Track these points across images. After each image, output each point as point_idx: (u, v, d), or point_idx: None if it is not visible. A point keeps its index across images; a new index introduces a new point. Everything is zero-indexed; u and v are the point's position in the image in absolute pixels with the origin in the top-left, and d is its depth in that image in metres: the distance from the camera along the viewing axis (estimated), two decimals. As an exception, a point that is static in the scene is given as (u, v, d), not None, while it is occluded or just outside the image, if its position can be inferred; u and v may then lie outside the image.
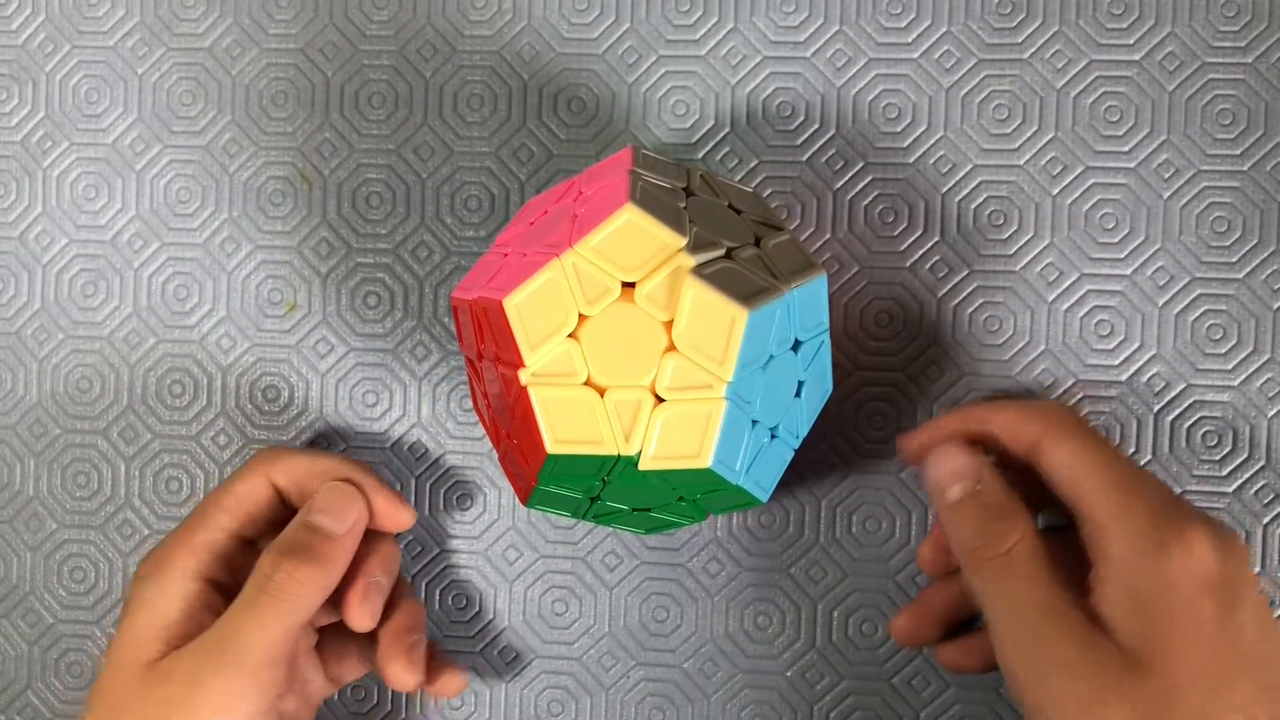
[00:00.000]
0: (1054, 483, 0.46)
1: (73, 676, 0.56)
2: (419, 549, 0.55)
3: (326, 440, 0.55)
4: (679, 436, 0.43)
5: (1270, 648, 0.43)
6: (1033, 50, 0.52)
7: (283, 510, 0.51)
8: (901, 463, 0.52)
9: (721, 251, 0.44)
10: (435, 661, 0.52)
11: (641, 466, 0.43)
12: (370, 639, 0.52)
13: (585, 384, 0.43)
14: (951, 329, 0.53)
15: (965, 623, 0.51)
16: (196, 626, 0.48)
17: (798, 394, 0.47)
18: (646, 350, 0.43)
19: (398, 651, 0.50)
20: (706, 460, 0.43)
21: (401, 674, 0.50)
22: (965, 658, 0.50)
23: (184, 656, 0.47)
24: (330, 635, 0.52)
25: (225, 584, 0.50)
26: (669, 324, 0.43)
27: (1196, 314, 0.52)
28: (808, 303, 0.45)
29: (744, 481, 0.45)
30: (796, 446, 0.48)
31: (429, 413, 0.55)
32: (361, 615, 0.50)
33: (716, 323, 0.42)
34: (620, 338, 0.43)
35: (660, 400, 0.43)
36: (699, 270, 0.43)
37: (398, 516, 0.51)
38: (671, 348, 0.43)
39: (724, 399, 0.43)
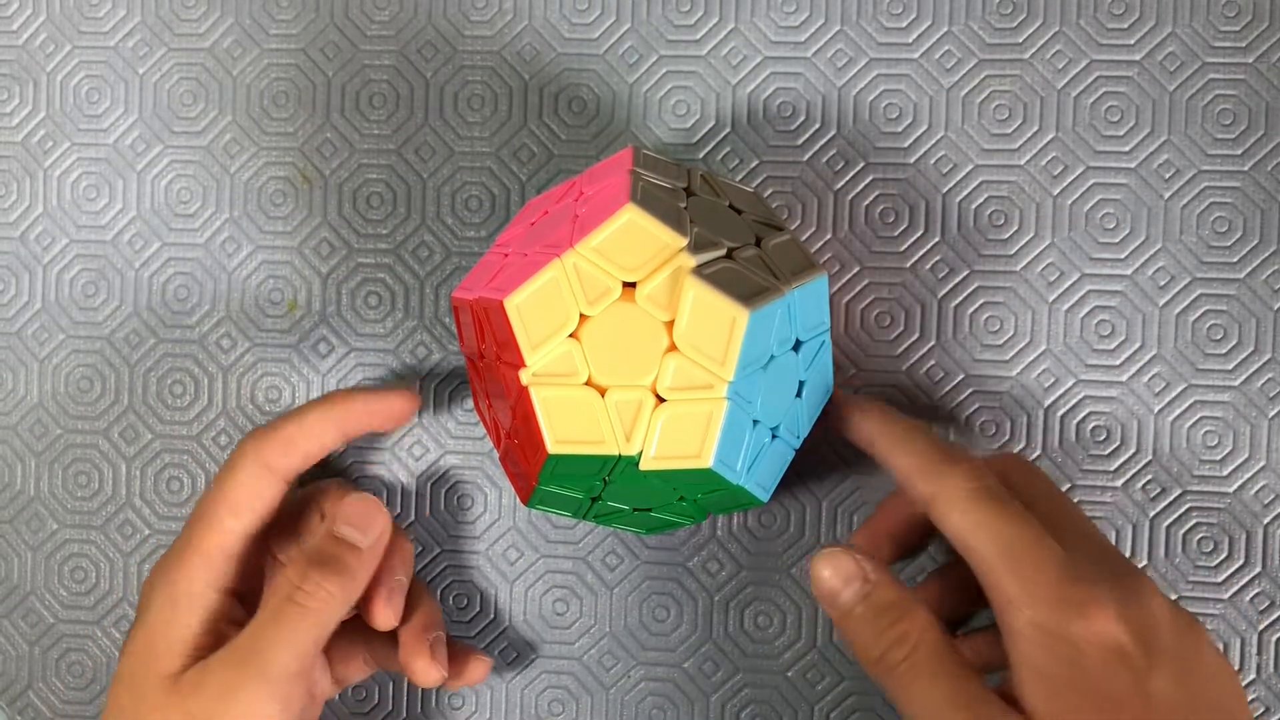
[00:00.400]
0: (952, 543, 0.44)
1: (73, 676, 0.57)
2: (420, 549, 0.55)
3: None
4: (680, 437, 0.43)
5: (1196, 702, 0.42)
6: (1033, 50, 0.52)
7: (287, 495, 0.51)
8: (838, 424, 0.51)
9: (722, 251, 0.44)
10: (456, 652, 0.53)
11: (642, 467, 0.43)
12: (378, 639, 0.52)
13: (586, 384, 0.43)
14: (952, 329, 0.53)
15: (959, 622, 0.51)
16: (216, 636, 0.48)
17: (798, 394, 0.47)
18: (647, 350, 0.43)
19: (421, 649, 0.50)
20: (707, 460, 0.43)
21: (428, 670, 0.50)
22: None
23: (212, 669, 0.47)
24: (337, 636, 0.52)
25: (240, 587, 0.50)
26: (670, 324, 0.43)
27: (1197, 314, 0.52)
28: (808, 303, 0.45)
29: (745, 481, 0.45)
30: (797, 446, 0.48)
31: (429, 413, 0.55)
32: (387, 615, 0.50)
33: (717, 323, 0.42)
34: (621, 338, 0.43)
35: (661, 400, 0.43)
36: (700, 270, 0.43)
37: (403, 406, 0.51)
38: (672, 348, 0.43)
39: (725, 399, 0.43)
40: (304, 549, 0.48)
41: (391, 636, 0.52)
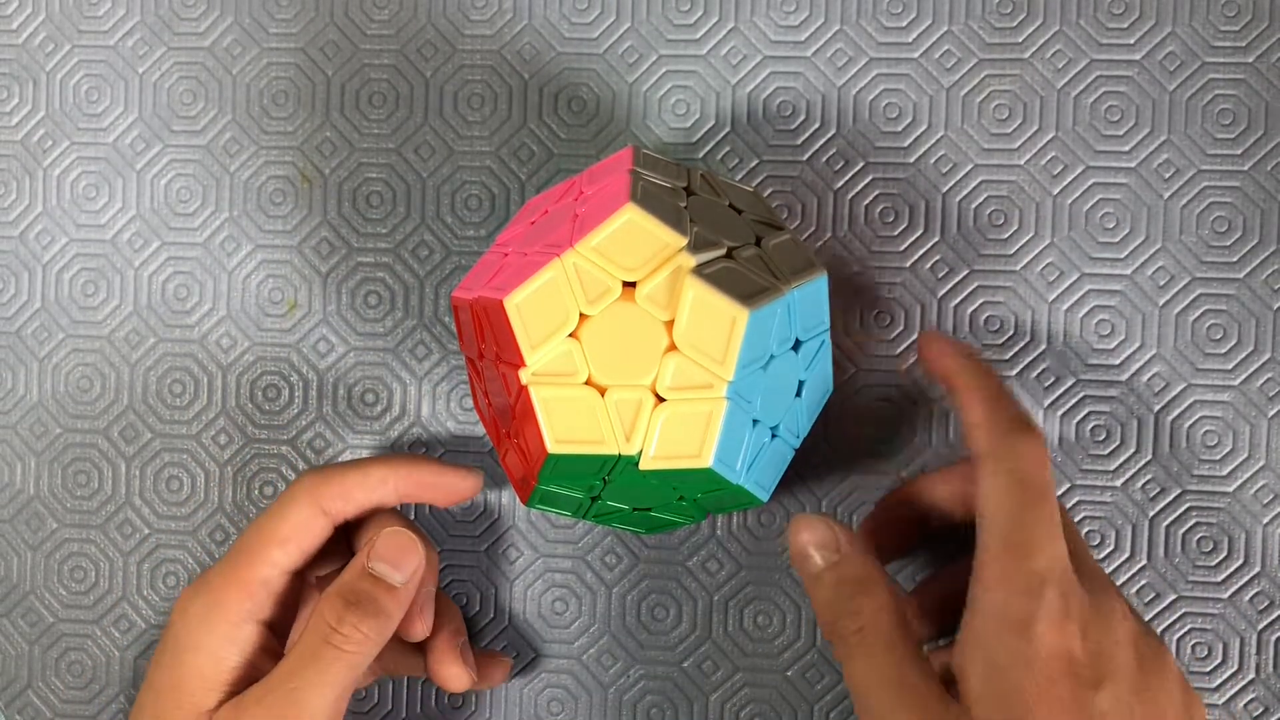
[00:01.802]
0: (977, 494, 0.45)
1: (73, 676, 0.56)
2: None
3: (324, 440, 0.55)
4: (680, 436, 0.43)
5: None
6: (1033, 50, 0.52)
7: (334, 535, 0.50)
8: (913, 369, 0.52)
9: (722, 251, 0.44)
10: (477, 655, 0.53)
11: (642, 466, 0.43)
12: (392, 650, 0.52)
13: (586, 383, 0.43)
14: (951, 329, 0.53)
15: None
16: (251, 671, 0.48)
17: (798, 394, 0.47)
18: (647, 350, 0.43)
19: (452, 656, 0.51)
20: (707, 460, 0.43)
21: (460, 675, 0.51)
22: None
23: (248, 708, 0.46)
24: None
25: (276, 620, 0.49)
26: (670, 324, 0.43)
27: (1197, 314, 0.52)
28: (808, 303, 0.45)
29: (744, 481, 0.45)
30: (797, 446, 0.48)
31: (429, 413, 0.55)
32: (420, 628, 0.50)
33: (717, 322, 0.42)
34: (621, 337, 0.43)
35: (661, 400, 0.43)
36: (699, 270, 0.43)
37: (467, 486, 0.51)
38: (672, 347, 0.43)
39: (725, 399, 0.43)
40: (340, 585, 0.48)
41: (405, 644, 0.52)
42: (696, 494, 0.46)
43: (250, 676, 0.48)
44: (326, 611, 0.47)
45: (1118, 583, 0.52)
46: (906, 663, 0.43)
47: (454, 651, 0.51)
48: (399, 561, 0.48)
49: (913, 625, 0.47)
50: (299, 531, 0.49)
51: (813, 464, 0.53)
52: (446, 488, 0.51)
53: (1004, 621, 0.42)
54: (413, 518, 0.55)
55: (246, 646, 0.48)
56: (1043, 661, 0.42)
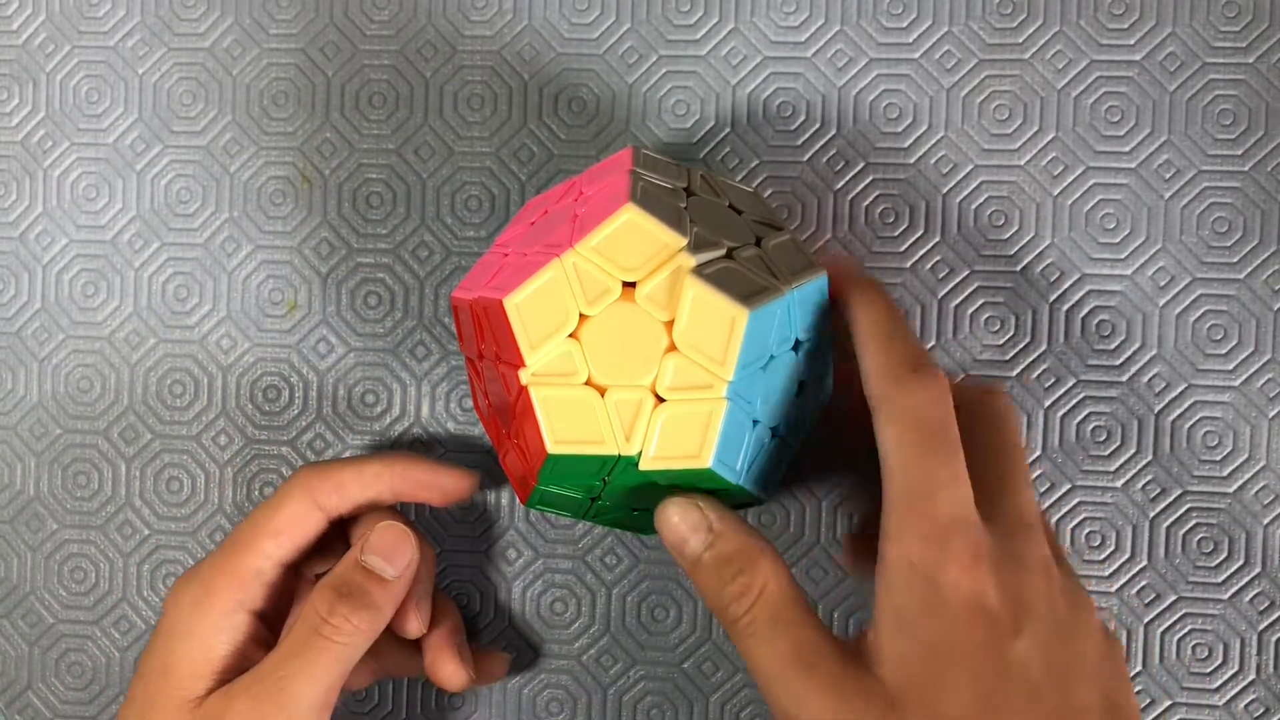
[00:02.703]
0: (880, 453, 0.43)
1: (73, 677, 0.56)
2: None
3: (324, 441, 0.55)
4: (679, 436, 0.43)
5: (1062, 680, 0.40)
6: (1033, 50, 0.52)
7: (330, 532, 0.51)
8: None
9: (722, 251, 0.44)
10: (475, 652, 0.53)
11: (642, 466, 0.43)
12: (389, 649, 0.52)
13: (586, 384, 0.43)
14: (952, 329, 0.53)
15: None
16: (242, 660, 0.48)
17: (798, 394, 0.47)
18: (647, 350, 0.43)
19: (449, 654, 0.51)
20: (707, 460, 0.43)
21: (457, 673, 0.51)
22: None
23: (237, 697, 0.46)
24: None
25: (267, 612, 0.50)
26: (669, 324, 0.43)
27: (1197, 314, 0.52)
28: (808, 303, 0.45)
29: (744, 481, 0.45)
30: (797, 446, 0.48)
31: (429, 413, 0.55)
32: (416, 624, 0.50)
33: (717, 322, 0.42)
34: (621, 338, 0.43)
35: (661, 400, 0.43)
36: (699, 270, 0.43)
37: (462, 486, 0.51)
38: (672, 347, 0.43)
39: (725, 399, 0.43)
40: (332, 577, 0.48)
41: (403, 643, 0.52)
42: (696, 494, 0.46)
43: (240, 666, 0.48)
44: (318, 602, 0.47)
45: (1118, 584, 0.52)
46: (805, 637, 0.42)
47: (451, 649, 0.51)
48: (392, 555, 0.48)
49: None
50: (292, 524, 0.49)
51: (813, 464, 0.53)
52: (441, 487, 0.51)
53: (910, 574, 0.40)
54: (412, 518, 0.55)
55: (237, 635, 0.48)
56: (954, 612, 0.40)
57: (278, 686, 0.46)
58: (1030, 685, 0.40)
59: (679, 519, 0.44)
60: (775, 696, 0.42)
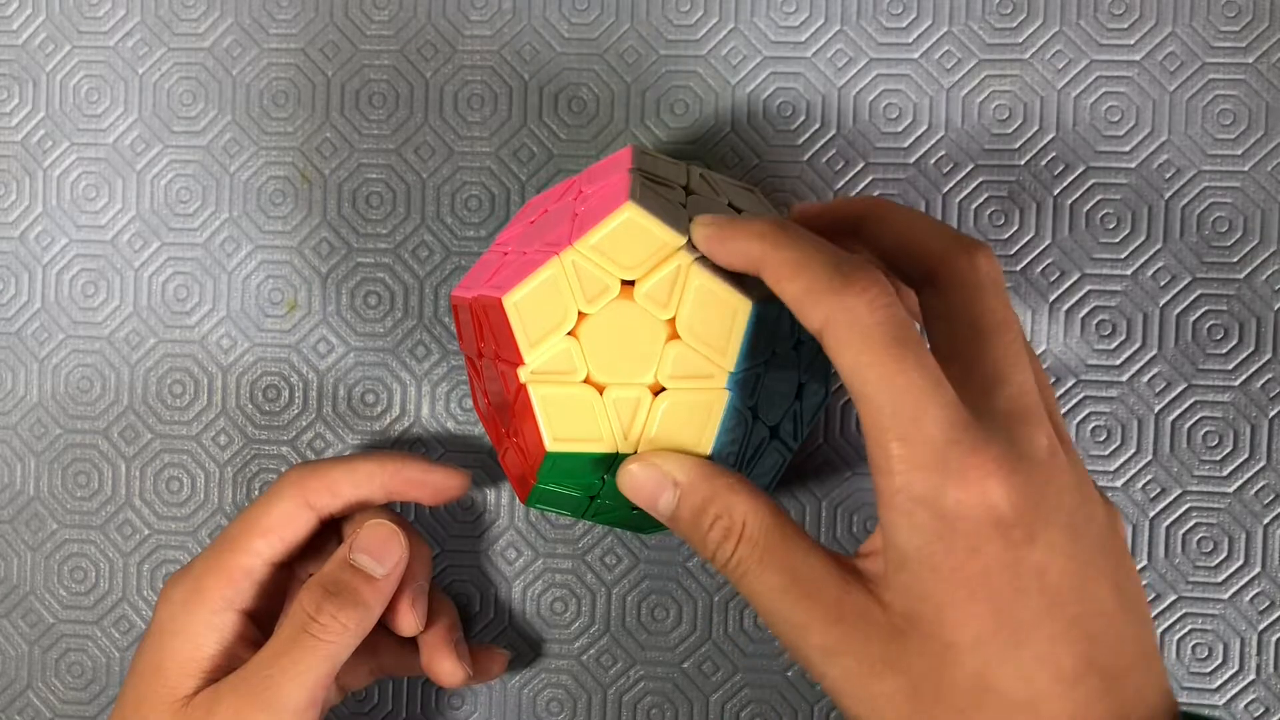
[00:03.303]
0: (842, 380, 0.39)
1: (73, 676, 0.56)
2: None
3: (324, 441, 0.55)
4: (679, 425, 0.43)
5: (1079, 579, 0.38)
6: (1033, 50, 0.52)
7: (322, 531, 0.51)
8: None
9: None
10: (473, 649, 0.53)
11: (641, 453, 0.43)
12: (386, 649, 0.52)
13: (584, 382, 0.43)
14: (952, 329, 0.53)
15: None
16: (231, 659, 0.48)
17: (796, 396, 0.47)
18: (646, 348, 0.43)
19: (446, 651, 0.51)
20: (706, 450, 0.43)
21: (455, 671, 0.51)
22: None
23: (223, 696, 0.47)
24: None
25: (258, 611, 0.50)
26: (668, 322, 0.43)
27: (1197, 314, 0.52)
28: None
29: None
30: (793, 451, 0.48)
31: (429, 412, 0.55)
32: (411, 622, 0.50)
33: (720, 313, 0.42)
34: (620, 336, 0.43)
35: (662, 389, 0.43)
36: (705, 260, 0.43)
37: (453, 485, 0.51)
38: (674, 336, 0.43)
39: (726, 390, 0.43)
40: (320, 575, 0.48)
41: (401, 642, 0.52)
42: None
43: (229, 665, 0.48)
44: (306, 601, 0.47)
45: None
46: (798, 565, 0.39)
47: (448, 647, 0.51)
48: (381, 553, 0.48)
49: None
50: (282, 523, 0.49)
51: (813, 464, 0.53)
52: (433, 486, 0.51)
53: (913, 508, 0.37)
54: (412, 519, 0.55)
55: (226, 634, 0.48)
56: (964, 534, 0.37)
57: (264, 685, 0.46)
58: (1048, 593, 0.37)
59: (643, 481, 0.42)
60: (779, 630, 0.40)
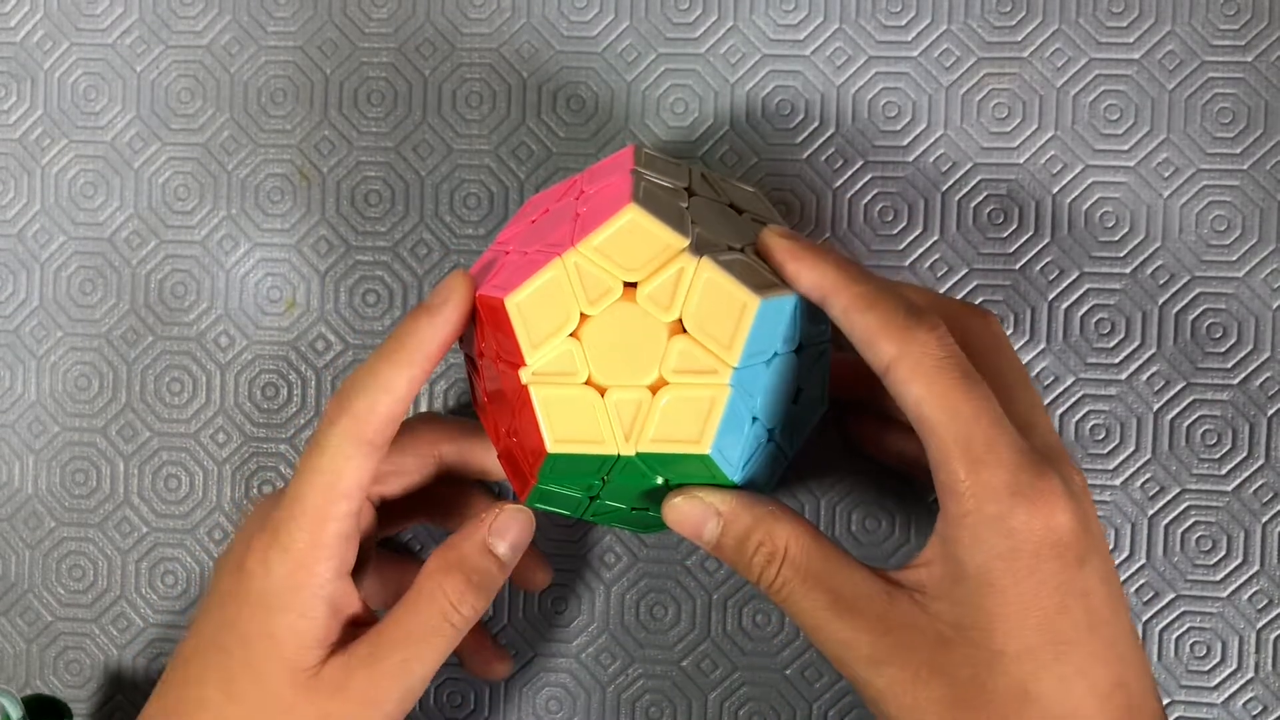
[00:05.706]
0: (904, 411, 0.42)
1: (71, 674, 0.56)
2: (419, 547, 0.55)
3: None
4: (680, 420, 0.43)
5: (1115, 605, 0.41)
6: (1033, 49, 0.52)
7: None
8: None
9: (738, 247, 0.44)
10: (484, 649, 0.54)
11: (640, 448, 0.43)
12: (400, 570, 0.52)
13: (586, 383, 0.43)
14: (951, 328, 0.53)
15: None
16: (340, 619, 0.47)
17: (795, 400, 0.46)
18: (647, 350, 0.43)
19: (494, 649, 0.54)
20: (707, 446, 0.43)
21: (500, 667, 0.54)
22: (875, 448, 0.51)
23: (356, 671, 0.46)
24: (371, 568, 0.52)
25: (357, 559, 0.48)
26: (671, 324, 0.43)
27: (1196, 313, 0.52)
28: (812, 308, 0.45)
29: (739, 479, 0.45)
30: (790, 456, 0.48)
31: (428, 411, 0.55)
32: (544, 576, 0.54)
33: (728, 308, 0.42)
34: (621, 338, 0.43)
35: (664, 384, 0.43)
36: (714, 256, 0.43)
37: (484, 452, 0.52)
38: (678, 331, 0.43)
39: (728, 386, 0.43)
40: (462, 562, 0.47)
41: (400, 560, 0.53)
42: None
43: (340, 627, 0.47)
44: (449, 590, 0.46)
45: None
46: (841, 584, 0.42)
47: (492, 643, 0.53)
48: (519, 540, 0.48)
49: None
50: (357, 477, 0.46)
51: (813, 464, 0.53)
52: (486, 470, 0.52)
53: (987, 528, 0.40)
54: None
55: (336, 600, 0.46)
56: (1028, 554, 0.40)
57: (402, 669, 0.46)
58: (1091, 614, 0.41)
59: (686, 512, 0.45)
60: (825, 646, 0.42)
